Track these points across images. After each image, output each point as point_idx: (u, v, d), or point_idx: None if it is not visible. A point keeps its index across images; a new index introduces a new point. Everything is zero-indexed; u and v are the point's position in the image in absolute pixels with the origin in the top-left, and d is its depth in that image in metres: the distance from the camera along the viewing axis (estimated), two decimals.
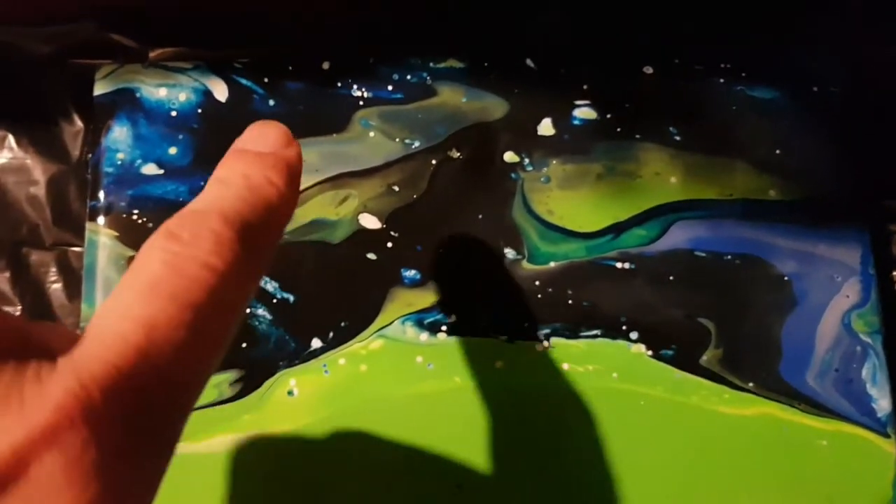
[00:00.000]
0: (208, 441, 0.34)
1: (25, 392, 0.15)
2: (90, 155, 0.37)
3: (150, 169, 0.36)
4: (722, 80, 0.37)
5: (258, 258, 0.19)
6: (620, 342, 0.35)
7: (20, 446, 0.14)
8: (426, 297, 0.35)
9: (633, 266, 0.35)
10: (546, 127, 0.37)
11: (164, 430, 0.17)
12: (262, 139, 0.22)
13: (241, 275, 0.18)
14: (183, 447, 0.34)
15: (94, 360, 0.16)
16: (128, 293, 0.17)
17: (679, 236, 0.36)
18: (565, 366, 0.34)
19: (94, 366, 0.16)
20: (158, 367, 0.16)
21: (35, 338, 0.17)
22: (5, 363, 0.15)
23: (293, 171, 0.21)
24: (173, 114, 0.37)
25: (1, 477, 0.14)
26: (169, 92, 0.37)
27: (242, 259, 0.18)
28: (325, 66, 0.37)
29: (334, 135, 0.37)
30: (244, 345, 0.35)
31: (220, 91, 0.37)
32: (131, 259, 0.35)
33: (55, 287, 0.37)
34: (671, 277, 0.35)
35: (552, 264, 0.35)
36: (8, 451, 0.14)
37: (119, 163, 0.36)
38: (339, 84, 0.37)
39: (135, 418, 0.16)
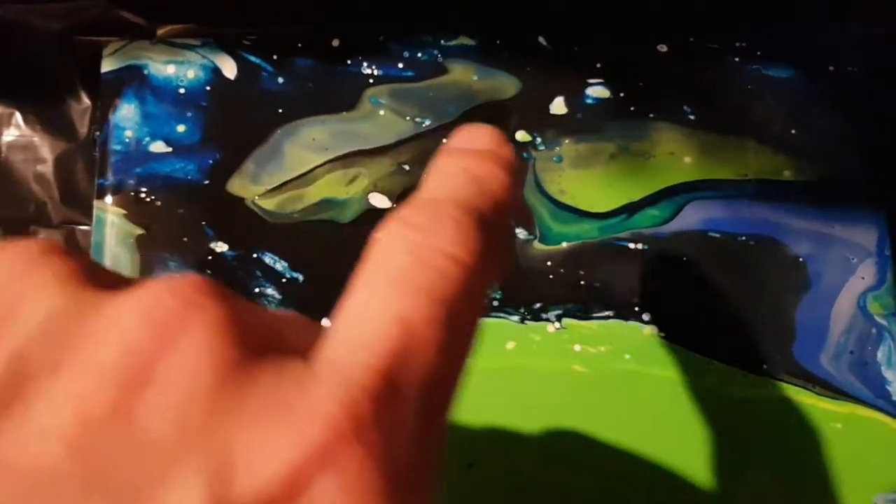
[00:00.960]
0: None
1: (290, 401, 0.13)
2: (98, 133, 0.37)
3: (159, 147, 0.36)
4: (737, 59, 0.37)
5: (493, 248, 0.17)
6: (633, 323, 0.34)
7: (294, 467, 0.13)
8: None
9: (646, 247, 0.35)
10: (558, 106, 0.36)
11: (431, 442, 0.15)
12: (473, 139, 0.20)
13: (484, 266, 0.17)
14: None
15: (356, 366, 0.14)
16: (375, 286, 0.16)
17: (693, 217, 0.35)
18: (577, 347, 0.34)
19: (357, 372, 0.14)
20: (419, 370, 0.15)
21: (280, 333, 0.16)
22: (262, 366, 0.14)
23: (511, 168, 0.19)
24: (181, 91, 0.36)
25: (278, 501, 0.13)
26: (177, 69, 0.37)
27: (483, 249, 0.17)
28: (335, 43, 0.37)
29: (344, 113, 0.36)
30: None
31: (229, 68, 0.37)
32: (140, 237, 0.35)
33: None
34: (684, 258, 0.35)
35: (564, 245, 0.35)
36: (280, 473, 0.13)
37: (127, 140, 0.36)
38: (349, 61, 0.37)
39: (403, 431, 0.14)
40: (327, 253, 0.35)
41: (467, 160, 0.19)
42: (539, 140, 0.36)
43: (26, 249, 0.15)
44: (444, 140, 0.36)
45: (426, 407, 0.15)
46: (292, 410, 0.13)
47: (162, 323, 0.13)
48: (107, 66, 0.37)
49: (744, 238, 0.35)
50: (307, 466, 0.13)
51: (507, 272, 0.18)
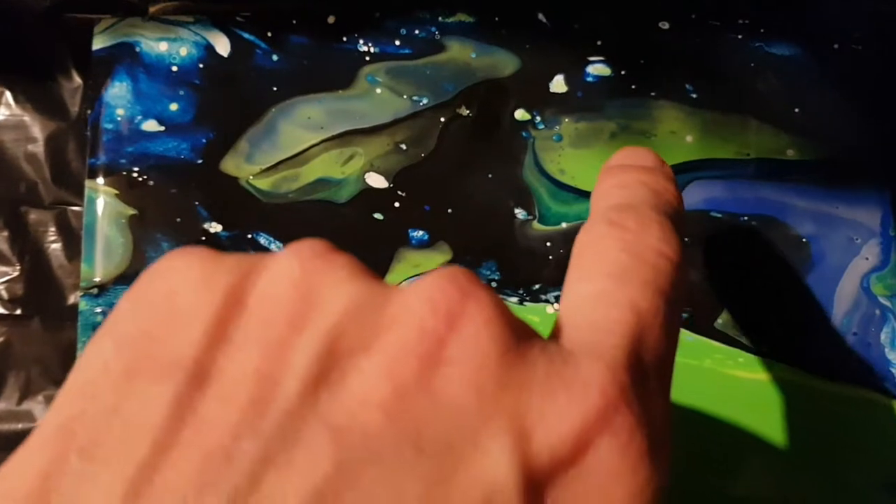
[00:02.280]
0: None
1: (565, 375, 0.15)
2: (89, 112, 0.36)
3: (151, 126, 0.35)
4: (740, 36, 0.36)
5: (683, 252, 0.20)
6: None
7: (580, 429, 0.14)
8: (434, 258, 0.34)
9: None
10: (558, 84, 0.36)
11: (667, 411, 0.17)
12: (637, 157, 0.22)
13: (683, 264, 0.19)
14: None
15: (608, 346, 0.16)
16: (600, 280, 0.17)
17: (694, 197, 0.35)
18: None
19: (611, 352, 0.16)
20: (651, 352, 0.16)
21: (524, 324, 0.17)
22: (530, 347, 0.15)
23: (677, 185, 0.22)
24: (174, 69, 0.36)
25: (566, 459, 0.14)
26: (170, 46, 0.36)
27: (681, 249, 0.19)
28: (331, 19, 0.36)
29: (340, 91, 0.36)
30: None
31: (223, 45, 0.36)
32: (132, 217, 0.34)
33: (54, 247, 0.37)
34: (686, 239, 0.34)
35: (564, 225, 0.35)
36: (570, 434, 0.14)
37: (119, 119, 0.35)
38: (345, 39, 0.36)
39: (652, 402, 0.16)
40: (323, 233, 0.34)
41: (640, 175, 0.21)
42: (539, 119, 0.35)
43: (314, 247, 0.17)
44: (443, 119, 0.35)
45: (660, 382, 0.17)
46: (570, 383, 0.15)
47: (446, 309, 0.15)
48: (98, 43, 0.36)
49: (746, 218, 0.35)
50: (590, 429, 0.14)
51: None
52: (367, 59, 0.36)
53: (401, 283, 0.34)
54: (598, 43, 0.36)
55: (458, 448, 0.14)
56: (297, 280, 0.16)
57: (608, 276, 0.17)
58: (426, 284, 0.16)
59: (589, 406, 0.15)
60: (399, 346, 0.15)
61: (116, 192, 0.35)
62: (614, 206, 0.19)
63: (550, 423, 0.14)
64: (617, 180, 0.21)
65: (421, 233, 0.34)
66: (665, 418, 0.16)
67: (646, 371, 0.16)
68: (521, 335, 0.16)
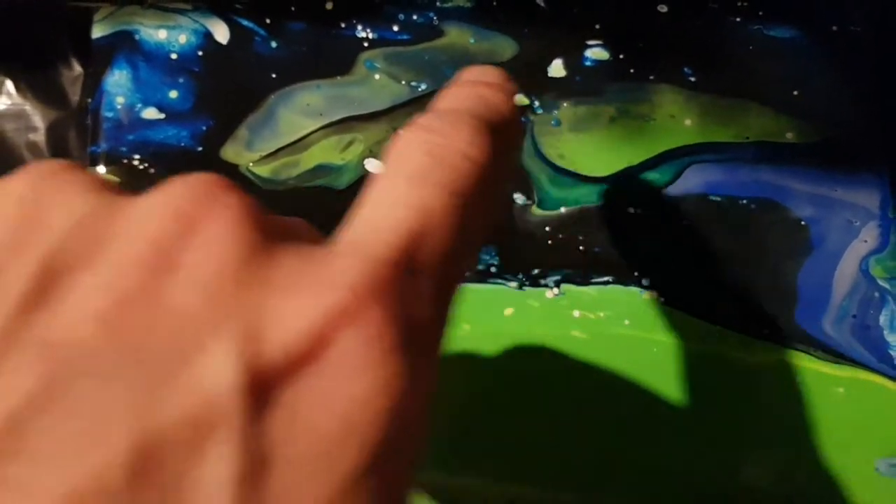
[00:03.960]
0: None
1: (314, 273, 0.15)
2: (90, 100, 0.36)
3: (151, 113, 0.35)
4: (738, 19, 0.36)
5: (504, 161, 0.19)
6: (632, 288, 0.34)
7: (319, 325, 0.14)
8: None
9: (646, 211, 0.34)
10: (557, 68, 0.36)
11: (444, 310, 0.17)
12: (482, 74, 0.22)
13: (495, 171, 0.18)
14: None
15: (378, 243, 0.16)
16: (395, 181, 0.17)
17: (693, 180, 0.35)
18: (576, 313, 0.34)
19: (379, 247, 0.15)
20: (435, 251, 0.16)
21: (299, 228, 0.17)
22: (285, 247, 0.15)
23: (514, 106, 0.21)
24: (173, 56, 0.36)
25: (302, 357, 0.14)
26: (169, 34, 0.36)
27: (494, 155, 0.18)
28: (329, 6, 0.36)
29: (338, 77, 0.36)
30: None
31: (221, 33, 0.36)
32: None
33: None
34: (685, 222, 0.34)
35: (563, 209, 0.35)
36: (307, 330, 0.14)
37: (119, 107, 0.35)
38: (344, 25, 0.36)
39: (420, 298, 0.16)
40: (323, 220, 0.34)
41: (479, 87, 0.20)
42: (537, 103, 0.35)
43: (49, 166, 0.16)
44: None
45: (441, 281, 0.16)
46: (316, 279, 0.14)
47: (186, 214, 0.15)
48: (97, 31, 0.36)
49: (745, 201, 0.35)
50: (331, 323, 0.14)
51: (510, 189, 0.21)
52: (366, 44, 0.36)
53: None
54: (597, 27, 0.36)
55: (182, 355, 0.13)
56: (23, 199, 0.15)
57: (404, 177, 0.17)
58: (167, 190, 0.15)
59: (332, 300, 0.14)
60: (124, 256, 0.14)
61: (117, 179, 0.35)
62: (432, 111, 0.19)
63: (287, 321, 0.14)
64: (451, 91, 0.21)
65: None
66: (436, 320, 0.16)
67: (420, 269, 0.16)
68: (275, 237, 0.15)
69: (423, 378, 0.15)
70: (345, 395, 0.14)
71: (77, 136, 0.37)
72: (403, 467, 0.15)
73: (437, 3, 0.36)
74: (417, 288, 0.16)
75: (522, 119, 0.35)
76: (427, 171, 0.17)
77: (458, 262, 0.17)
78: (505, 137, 0.20)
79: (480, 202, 0.18)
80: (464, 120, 0.18)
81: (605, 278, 0.34)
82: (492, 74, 0.22)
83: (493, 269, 0.34)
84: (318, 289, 0.14)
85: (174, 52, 0.36)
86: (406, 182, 0.17)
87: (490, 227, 0.19)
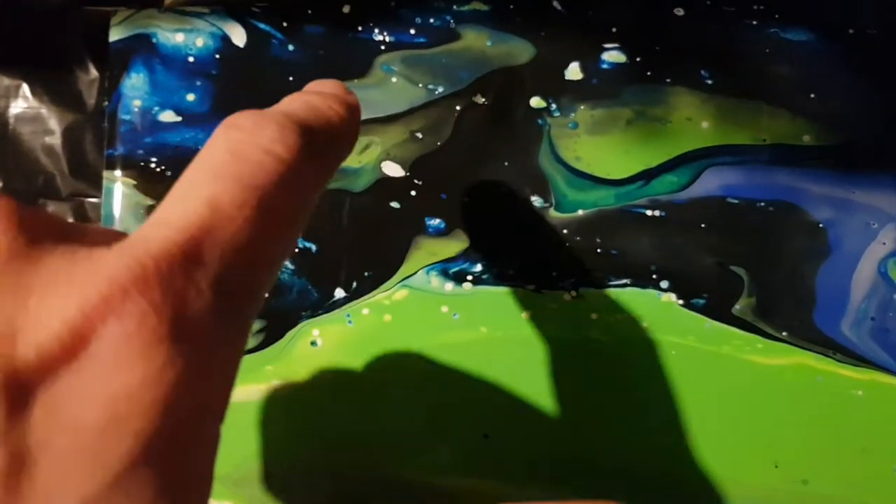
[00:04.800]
0: None
1: (76, 271, 0.14)
2: (106, 103, 0.36)
3: (168, 116, 0.35)
4: (755, 22, 0.36)
5: (320, 162, 0.19)
6: (651, 291, 0.34)
7: (78, 322, 0.14)
8: (451, 247, 0.34)
9: (663, 213, 0.34)
10: (574, 71, 0.36)
11: (230, 310, 0.16)
12: (320, 86, 0.22)
13: (304, 169, 0.18)
14: None
15: (155, 239, 0.15)
16: (193, 177, 0.17)
17: (711, 183, 0.35)
18: (594, 316, 0.34)
19: (152, 243, 0.15)
20: (223, 244, 0.16)
21: (92, 233, 0.17)
22: (53, 250, 0.15)
23: (352, 108, 0.22)
24: (190, 59, 0.36)
25: (60, 355, 0.14)
26: (186, 37, 0.36)
27: (305, 153, 0.18)
28: (346, 9, 0.36)
29: (355, 80, 0.36)
30: (265, 295, 0.34)
31: (238, 36, 0.36)
32: (150, 208, 0.34)
33: None
34: (703, 225, 0.34)
35: (580, 212, 0.35)
36: (64, 328, 0.14)
37: (136, 110, 0.35)
38: (360, 28, 0.36)
39: (199, 292, 0.15)
40: (340, 222, 0.35)
41: (309, 97, 0.21)
42: (554, 106, 0.35)
43: None
44: (458, 107, 0.35)
45: (228, 278, 0.16)
46: (78, 277, 0.14)
47: None
48: (115, 35, 0.36)
49: (762, 204, 0.34)
50: (89, 319, 0.14)
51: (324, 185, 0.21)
52: (383, 48, 0.36)
53: (417, 271, 0.34)
54: (614, 30, 0.36)
55: None
56: None
57: (202, 174, 0.17)
58: None
59: (90, 296, 0.14)
60: None
61: (134, 182, 0.35)
62: (245, 111, 0.19)
63: (41, 320, 0.14)
64: (286, 99, 0.21)
65: (437, 221, 0.35)
66: (223, 311, 0.16)
67: (204, 262, 0.15)
68: (45, 240, 0.15)
69: (208, 368, 0.15)
70: (108, 389, 0.14)
71: (93, 140, 0.37)
72: (189, 457, 0.15)
73: (454, 7, 0.36)
74: (196, 280, 0.15)
75: (539, 122, 0.35)
76: (224, 165, 0.17)
77: (256, 254, 0.17)
78: (325, 140, 0.20)
79: (284, 197, 0.18)
80: (274, 119, 0.18)
81: (623, 281, 0.34)
82: (329, 85, 0.22)
83: (510, 273, 0.34)
84: (78, 286, 0.14)
85: (191, 55, 0.36)
86: (202, 176, 0.17)
87: (303, 221, 0.19)
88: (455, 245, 0.34)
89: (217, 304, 0.15)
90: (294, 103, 0.20)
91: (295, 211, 0.18)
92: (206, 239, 0.16)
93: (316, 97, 0.21)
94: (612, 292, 0.34)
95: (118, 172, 0.35)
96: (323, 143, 0.20)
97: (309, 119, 0.19)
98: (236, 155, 0.17)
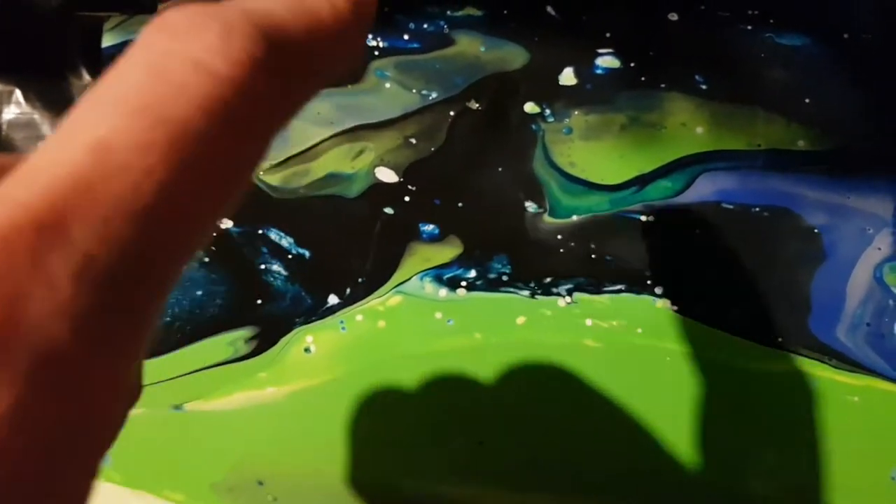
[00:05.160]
0: (224, 399, 0.33)
1: None
2: None
3: None
4: (749, 27, 0.36)
5: (287, 83, 0.13)
6: (645, 297, 0.34)
7: None
8: (445, 253, 0.34)
9: (658, 219, 0.34)
10: (567, 76, 0.36)
11: (108, 308, 0.11)
12: None
13: (258, 92, 0.13)
14: (197, 405, 0.33)
15: (8, 201, 0.11)
16: (90, 108, 0.12)
17: (705, 188, 0.35)
18: (588, 322, 0.34)
19: (7, 207, 0.11)
20: (106, 208, 0.11)
21: None
22: None
23: (362, 4, 0.15)
24: None
25: None
26: None
27: (262, 69, 0.13)
28: None
29: (349, 86, 0.36)
30: (259, 301, 0.34)
31: None
32: None
33: None
34: (697, 230, 0.34)
35: (574, 218, 0.34)
36: None
37: None
38: None
39: (50, 287, 0.11)
40: (334, 228, 0.35)
41: None
42: (548, 112, 0.35)
43: None
44: (452, 113, 0.35)
45: (108, 261, 0.11)
46: None
47: None
48: (108, 41, 0.36)
49: (757, 209, 0.34)
50: None
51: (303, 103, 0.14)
52: (377, 53, 0.36)
53: (411, 277, 0.34)
54: (607, 35, 0.36)
55: None
56: None
57: (101, 102, 0.12)
58: None
59: None
60: None
61: None
62: (184, 6, 0.13)
63: None
64: None
65: (432, 226, 0.34)
66: (79, 316, 0.11)
67: (66, 239, 0.11)
68: None
69: (60, 395, 0.11)
70: None
71: None
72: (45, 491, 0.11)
73: (448, 13, 0.36)
74: (50, 266, 0.11)
75: (533, 127, 0.35)
76: (133, 88, 0.12)
77: (161, 224, 0.12)
78: (303, 48, 0.14)
79: (216, 137, 0.12)
80: (221, 16, 0.13)
81: (618, 287, 0.34)
82: None
83: (504, 278, 0.34)
84: None
85: None
86: (100, 106, 0.12)
87: (246, 173, 0.13)
88: (449, 251, 0.34)
89: (84, 300, 0.11)
90: None
91: (232, 158, 0.13)
92: (79, 202, 0.11)
93: None
94: (607, 298, 0.34)
95: None
96: (298, 52, 0.14)
97: (281, 14, 0.14)
98: (154, 72, 0.12)
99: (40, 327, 0.10)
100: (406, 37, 0.36)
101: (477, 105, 0.35)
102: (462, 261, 0.34)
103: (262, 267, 0.34)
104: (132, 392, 0.13)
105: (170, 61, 0.12)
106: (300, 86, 0.14)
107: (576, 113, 0.35)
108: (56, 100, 0.38)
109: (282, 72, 0.13)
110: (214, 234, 0.35)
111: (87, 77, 0.38)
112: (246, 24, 0.13)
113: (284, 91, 0.13)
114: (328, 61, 0.15)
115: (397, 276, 0.34)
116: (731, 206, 0.34)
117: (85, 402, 0.11)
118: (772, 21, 0.36)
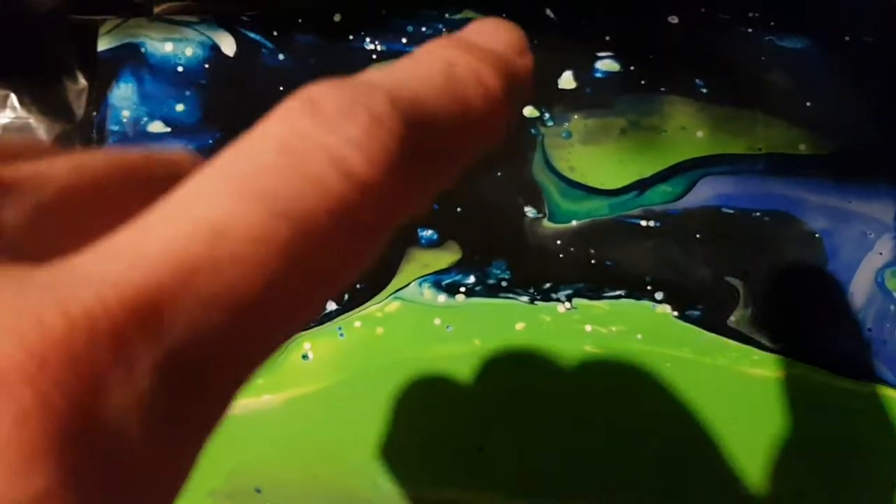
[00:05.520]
0: None
1: None
2: (95, 113, 0.36)
3: (157, 127, 0.35)
4: (750, 30, 0.36)
5: (424, 175, 0.12)
6: (645, 302, 0.34)
7: None
8: (443, 258, 0.34)
9: (658, 224, 0.34)
10: (567, 80, 0.35)
11: (185, 406, 0.10)
12: (490, 34, 0.15)
13: (392, 191, 0.12)
14: None
15: (110, 277, 0.10)
16: (208, 182, 0.11)
17: (706, 192, 0.34)
18: (588, 327, 0.33)
19: (106, 288, 0.09)
20: (206, 300, 0.10)
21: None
22: None
23: (515, 83, 0.14)
24: (180, 69, 0.36)
25: None
26: (175, 47, 0.36)
27: (398, 168, 0.11)
28: (337, 18, 0.36)
29: None
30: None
31: (228, 45, 0.36)
32: None
33: None
34: (698, 235, 0.34)
35: (574, 223, 0.34)
36: None
37: (124, 121, 0.35)
38: (352, 37, 0.36)
39: (130, 381, 0.09)
40: None
41: (458, 53, 0.13)
42: (547, 115, 0.35)
43: None
44: None
45: (196, 358, 0.10)
46: None
47: None
48: (103, 44, 0.36)
49: (758, 214, 0.34)
50: None
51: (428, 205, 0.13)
52: (374, 57, 0.36)
53: (410, 283, 0.34)
54: (607, 38, 0.36)
55: None
56: None
57: (225, 179, 0.11)
58: None
59: None
60: None
61: None
62: (339, 79, 0.12)
63: None
64: (416, 51, 0.14)
65: (430, 232, 0.34)
66: (154, 413, 0.10)
67: (159, 330, 0.10)
68: None
69: (123, 493, 0.10)
70: None
71: (82, 150, 0.37)
72: None
73: (446, 15, 0.36)
74: (136, 359, 0.09)
75: (532, 131, 0.35)
76: (263, 171, 0.11)
77: (257, 321, 0.11)
78: (444, 142, 0.13)
79: (333, 239, 0.11)
80: (370, 104, 0.12)
81: (618, 292, 0.34)
82: (499, 38, 0.15)
83: (503, 284, 0.34)
84: None
85: (180, 64, 0.36)
86: (222, 180, 0.11)
87: (350, 275, 0.12)
88: (448, 256, 0.34)
89: (161, 396, 0.10)
90: (422, 66, 0.13)
91: (349, 256, 0.12)
92: (178, 290, 0.10)
93: (464, 57, 0.13)
94: (607, 304, 0.34)
95: None
96: (440, 144, 0.13)
97: (429, 101, 0.12)
98: (288, 157, 0.11)
99: (116, 422, 0.09)
100: (404, 40, 0.36)
101: None
102: (461, 266, 0.34)
103: None
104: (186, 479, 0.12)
105: (307, 148, 0.11)
106: (435, 179, 0.13)
107: (575, 117, 0.35)
108: (51, 104, 0.38)
109: (418, 168, 0.12)
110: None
111: (82, 81, 0.38)
112: (392, 118, 0.12)
113: (419, 187, 0.12)
114: (469, 150, 0.14)
115: (396, 282, 0.34)
116: (731, 211, 0.34)
117: (140, 498, 0.10)
118: (772, 24, 0.36)
